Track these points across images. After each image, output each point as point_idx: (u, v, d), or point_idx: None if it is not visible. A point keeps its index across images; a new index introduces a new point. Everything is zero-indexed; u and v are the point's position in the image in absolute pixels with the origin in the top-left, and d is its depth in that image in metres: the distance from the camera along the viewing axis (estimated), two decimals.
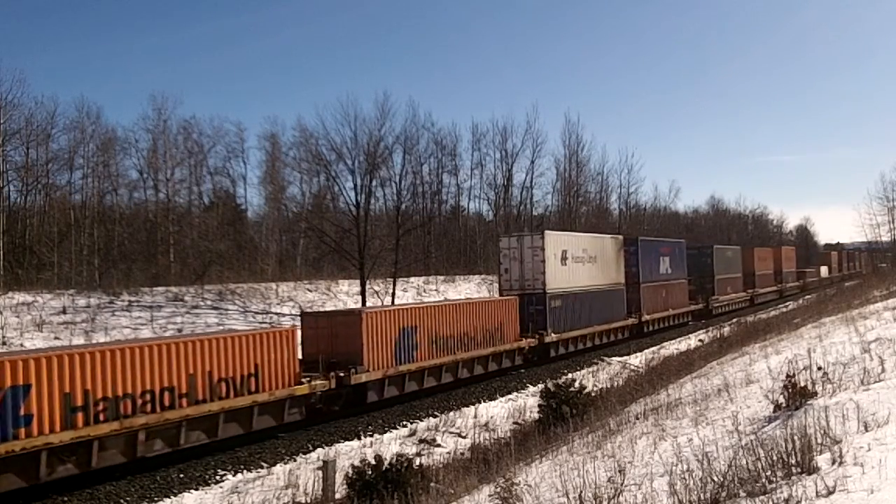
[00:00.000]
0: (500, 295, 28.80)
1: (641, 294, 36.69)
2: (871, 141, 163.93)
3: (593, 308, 31.56)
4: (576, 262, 30.46)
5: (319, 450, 16.20)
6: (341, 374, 18.65)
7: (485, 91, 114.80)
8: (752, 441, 7.36)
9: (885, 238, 77.18)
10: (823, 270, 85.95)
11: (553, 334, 28.16)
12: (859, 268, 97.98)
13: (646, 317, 37.10)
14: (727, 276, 50.88)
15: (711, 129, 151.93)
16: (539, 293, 28.13)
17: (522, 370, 26.30)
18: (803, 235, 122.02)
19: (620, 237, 37.04)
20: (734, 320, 40.31)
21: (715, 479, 6.16)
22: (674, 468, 6.98)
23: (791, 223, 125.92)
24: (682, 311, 42.89)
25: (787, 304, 53.44)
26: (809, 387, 9.07)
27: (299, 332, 18.97)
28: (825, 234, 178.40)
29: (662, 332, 38.53)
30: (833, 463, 6.02)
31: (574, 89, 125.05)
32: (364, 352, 19.20)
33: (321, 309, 34.08)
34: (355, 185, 40.75)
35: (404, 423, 18.85)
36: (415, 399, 21.13)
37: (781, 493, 5.56)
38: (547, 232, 29.45)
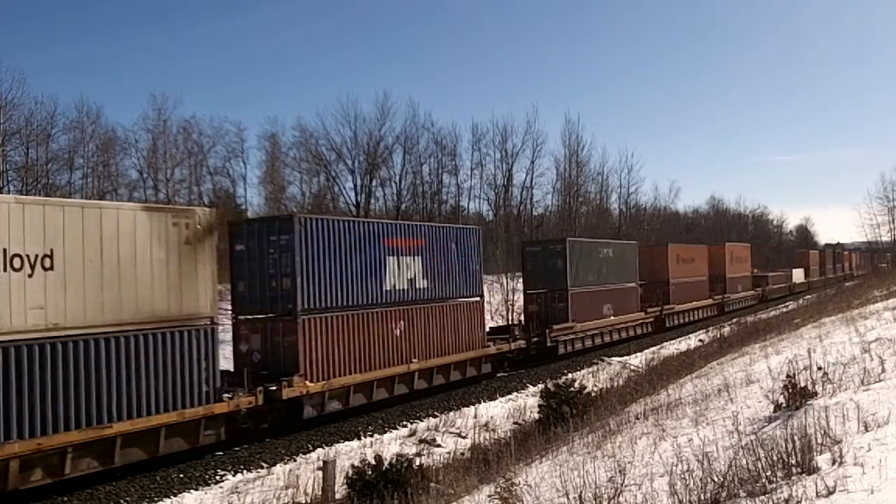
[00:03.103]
0: None
1: (301, 337, 17.19)
2: (871, 141, 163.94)
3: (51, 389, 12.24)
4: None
5: (319, 450, 16.19)
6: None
7: (485, 91, 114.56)
8: (752, 441, 7.37)
9: (886, 238, 77.30)
10: (797, 274, 69.77)
11: None
12: (850, 270, 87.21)
13: (308, 387, 17.06)
14: (600, 289, 31.65)
15: (712, 129, 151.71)
16: None
17: None
18: (803, 235, 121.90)
19: (208, 210, 16.03)
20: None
21: (715, 479, 6.16)
22: (674, 468, 6.98)
23: (791, 223, 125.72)
24: (465, 358, 22.63)
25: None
26: (809, 387, 9.08)
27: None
28: (826, 234, 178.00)
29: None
30: (833, 463, 6.02)
31: (574, 89, 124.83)
32: None
33: None
34: (355, 185, 41.00)
35: (404, 423, 18.85)
36: None
37: (782, 493, 5.56)
38: None
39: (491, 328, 27.54)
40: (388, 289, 20.08)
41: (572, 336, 29.61)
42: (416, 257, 21.12)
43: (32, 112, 39.59)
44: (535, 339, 27.56)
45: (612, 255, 33.69)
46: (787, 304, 50.59)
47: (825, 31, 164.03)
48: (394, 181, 46.57)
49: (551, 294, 29.64)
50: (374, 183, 43.58)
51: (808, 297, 53.82)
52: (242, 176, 52.86)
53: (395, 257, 20.35)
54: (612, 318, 32.73)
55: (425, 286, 21.44)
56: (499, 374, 25.33)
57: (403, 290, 20.60)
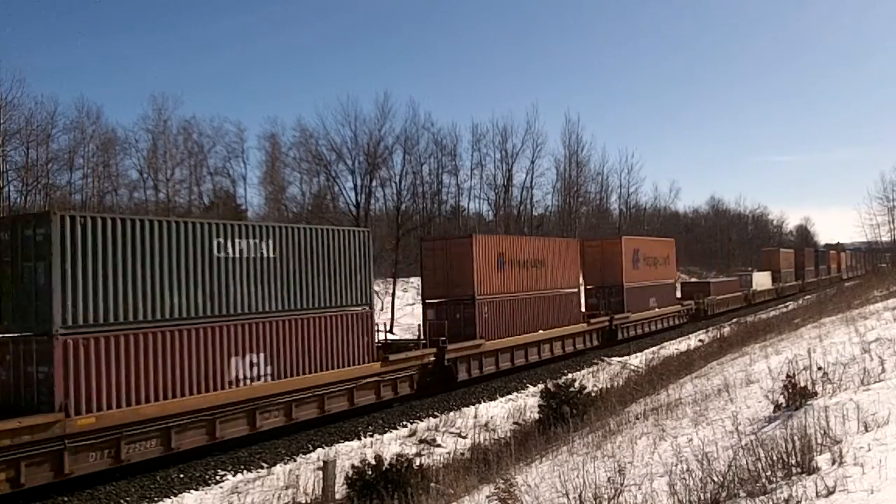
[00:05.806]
0: None
1: None
2: (871, 141, 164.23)
3: None
4: None
5: (319, 450, 16.19)
6: None
7: (485, 91, 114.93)
8: (752, 441, 7.37)
9: (886, 238, 77.24)
10: (760, 280, 53.15)
11: None
12: (837, 272, 77.15)
13: None
14: (216, 324, 14.74)
15: (711, 129, 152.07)
16: None
17: None
18: (803, 235, 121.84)
19: None
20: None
21: (715, 479, 6.17)
22: (674, 468, 6.99)
23: (791, 223, 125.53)
24: None
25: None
26: (809, 387, 9.08)
27: None
28: (826, 234, 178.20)
29: None
30: (833, 463, 6.03)
31: (574, 89, 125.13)
32: None
33: None
34: (355, 186, 41.00)
35: (404, 423, 18.85)
36: None
37: (781, 493, 5.56)
38: None
39: None
40: None
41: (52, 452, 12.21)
42: None
43: (32, 112, 39.67)
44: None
45: (275, 253, 16.36)
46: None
47: (825, 32, 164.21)
48: (394, 181, 46.50)
49: (23, 346, 12.51)
50: (374, 183, 43.59)
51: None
52: (242, 176, 52.97)
53: None
54: (262, 382, 15.82)
55: None
56: None
57: None
